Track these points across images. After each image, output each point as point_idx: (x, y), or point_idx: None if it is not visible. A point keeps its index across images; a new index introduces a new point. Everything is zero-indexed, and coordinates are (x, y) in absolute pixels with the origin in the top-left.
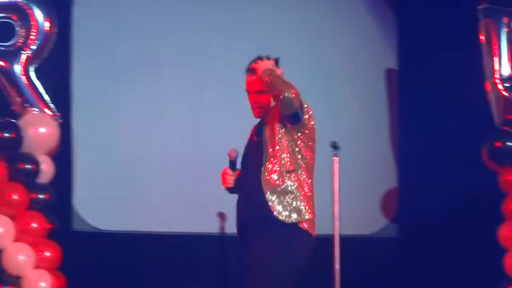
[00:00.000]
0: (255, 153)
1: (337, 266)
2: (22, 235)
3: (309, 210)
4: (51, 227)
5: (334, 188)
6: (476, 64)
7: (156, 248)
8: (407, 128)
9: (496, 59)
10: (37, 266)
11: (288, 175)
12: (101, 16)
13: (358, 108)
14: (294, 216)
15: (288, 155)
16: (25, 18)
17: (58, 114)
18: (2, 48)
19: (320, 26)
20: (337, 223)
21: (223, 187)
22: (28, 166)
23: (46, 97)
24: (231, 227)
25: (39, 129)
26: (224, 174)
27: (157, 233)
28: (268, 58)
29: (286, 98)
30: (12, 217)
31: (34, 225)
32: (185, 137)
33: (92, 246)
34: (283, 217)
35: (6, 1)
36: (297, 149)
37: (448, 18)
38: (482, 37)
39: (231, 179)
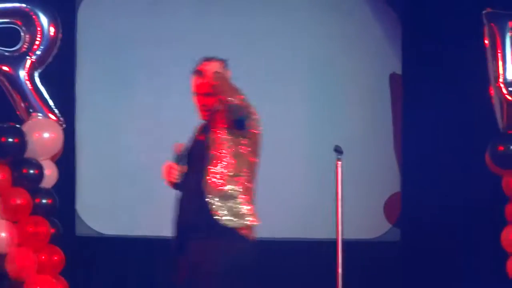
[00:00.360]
0: (199, 153)
1: (340, 270)
2: (25, 240)
3: (253, 215)
4: (54, 232)
5: (337, 192)
6: (480, 68)
7: (159, 253)
8: (411, 132)
9: (500, 63)
10: (40, 271)
11: (231, 179)
12: (106, 21)
13: (362, 113)
14: (237, 220)
15: (232, 159)
16: (30, 23)
17: (62, 119)
18: (6, 53)
19: (324, 31)
20: (340, 227)
21: (166, 182)
22: (32, 171)
23: (50, 102)
24: None
25: (43, 134)
26: (169, 168)
27: (160, 237)
28: (216, 60)
29: (233, 104)
30: (16, 222)
31: (38, 230)
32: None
33: (95, 251)
34: (225, 222)
35: (10, 6)
36: (242, 154)
37: (453, 23)
38: (486, 42)
39: (176, 173)
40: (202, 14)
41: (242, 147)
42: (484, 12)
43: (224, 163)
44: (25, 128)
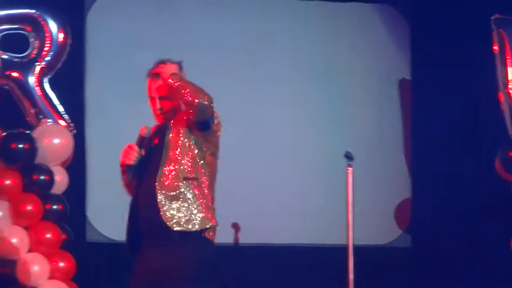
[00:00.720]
0: (155, 156)
1: (351, 276)
2: (36, 246)
3: (206, 220)
4: (65, 238)
5: (348, 198)
6: (489, 73)
7: None
8: (421, 137)
9: (509, 69)
10: (51, 277)
11: (187, 182)
12: (115, 26)
13: (372, 118)
14: (186, 225)
15: (191, 161)
16: (39, 29)
17: (72, 125)
18: (16, 59)
19: (334, 36)
20: (351, 233)
21: (122, 165)
22: (42, 177)
23: (60, 108)
24: (245, 238)
25: (53, 140)
26: (129, 149)
27: None
28: (172, 62)
29: (201, 105)
30: (27, 228)
31: (49, 235)
32: None
33: (105, 257)
34: (175, 225)
35: (20, 12)
36: (203, 157)
37: (462, 28)
38: (495, 47)
39: (135, 156)
40: (211, 16)
41: (204, 149)
42: (493, 18)
43: (180, 164)
44: (35, 134)
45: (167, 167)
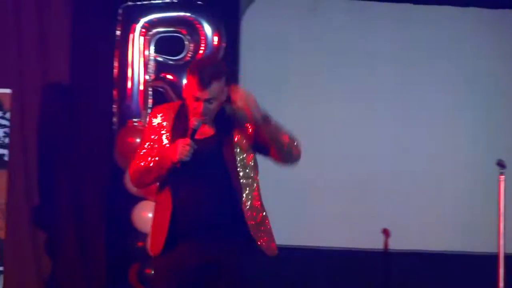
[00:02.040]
0: (219, 156)
1: (501, 284)
2: None
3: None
4: None
5: (499, 205)
6: None
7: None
8: None
9: None
10: None
11: (262, 204)
12: (269, 30)
13: None
14: (268, 242)
15: (257, 178)
16: (194, 32)
17: None
18: (171, 62)
19: (490, 43)
20: (502, 241)
21: (177, 160)
22: None
23: None
24: (395, 244)
25: None
26: (185, 145)
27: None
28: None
29: (297, 157)
30: None
31: None
32: (355, 148)
33: None
34: (263, 248)
35: (176, 15)
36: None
37: None
38: None
39: (191, 152)
40: (358, 23)
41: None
42: None
43: (256, 186)
44: None
45: (250, 189)
